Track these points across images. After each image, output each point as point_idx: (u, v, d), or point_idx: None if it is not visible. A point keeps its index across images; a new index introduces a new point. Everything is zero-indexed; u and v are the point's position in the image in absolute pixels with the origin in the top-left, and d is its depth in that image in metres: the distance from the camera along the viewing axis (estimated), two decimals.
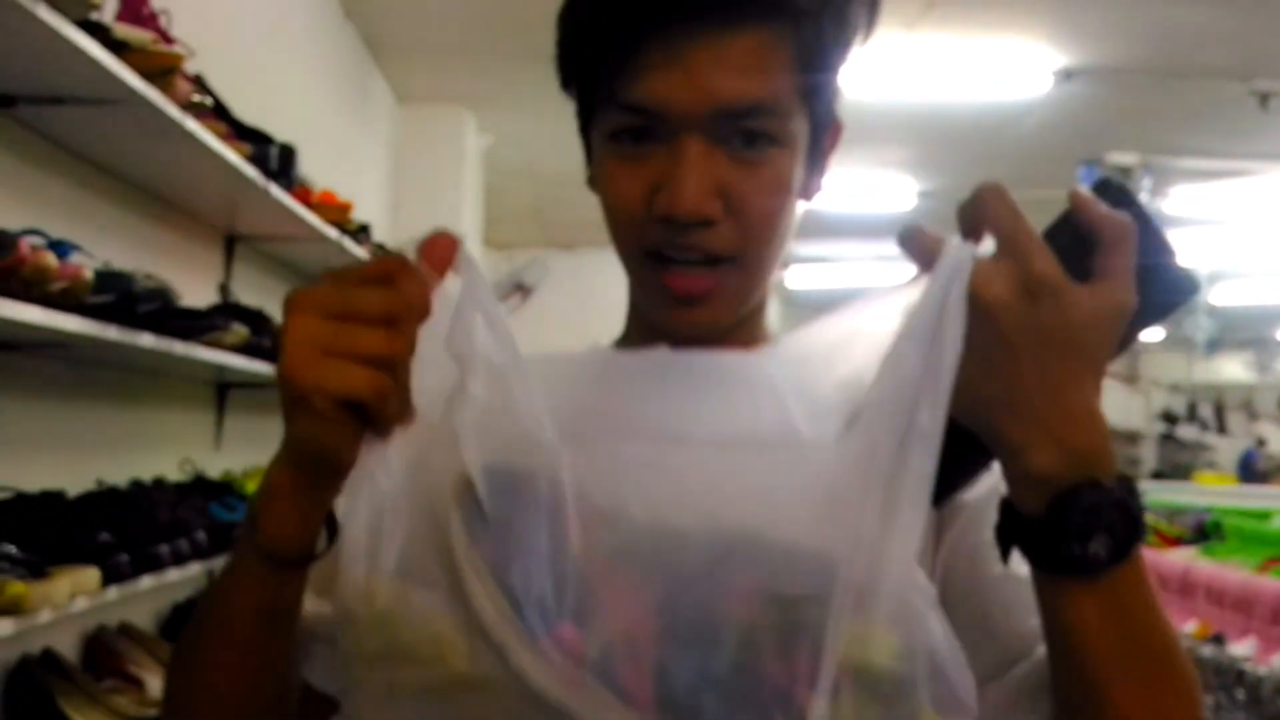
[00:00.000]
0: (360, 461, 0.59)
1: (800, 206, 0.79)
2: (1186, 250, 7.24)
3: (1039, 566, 0.61)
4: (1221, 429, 10.59)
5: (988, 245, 0.59)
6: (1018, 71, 4.43)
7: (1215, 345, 8.56)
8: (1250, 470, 9.58)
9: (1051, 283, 0.57)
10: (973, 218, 0.59)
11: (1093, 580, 0.60)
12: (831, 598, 0.55)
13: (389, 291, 0.58)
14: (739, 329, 0.79)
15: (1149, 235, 0.60)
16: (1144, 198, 5.20)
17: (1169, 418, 10.37)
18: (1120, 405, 11.04)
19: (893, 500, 0.56)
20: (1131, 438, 10.44)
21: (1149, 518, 3.64)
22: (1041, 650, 0.68)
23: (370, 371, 0.57)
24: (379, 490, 0.60)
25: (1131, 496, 0.60)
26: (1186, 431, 10.12)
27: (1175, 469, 9.20)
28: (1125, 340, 0.60)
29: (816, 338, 0.63)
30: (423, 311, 0.58)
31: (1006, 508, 0.62)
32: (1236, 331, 9.36)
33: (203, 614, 0.68)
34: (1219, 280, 7.93)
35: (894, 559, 0.56)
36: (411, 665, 0.59)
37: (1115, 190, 0.61)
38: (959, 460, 0.60)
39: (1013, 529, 0.61)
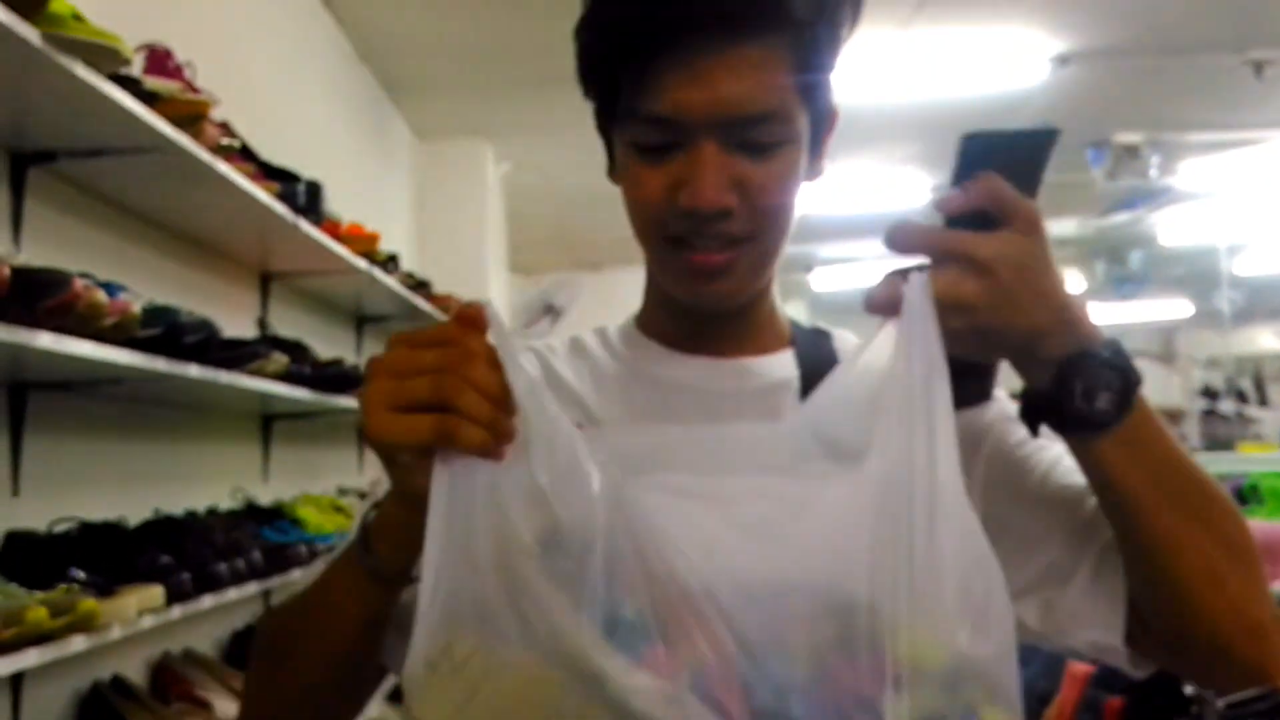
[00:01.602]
0: (432, 508, 0.64)
1: (805, 188, 0.87)
2: (1205, 223, 7.17)
3: (1064, 431, 0.73)
4: (1262, 400, 10.46)
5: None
6: (1015, 61, 4.48)
7: (1239, 318, 8.49)
8: None
9: (989, 254, 0.70)
10: (902, 250, 0.72)
11: (1110, 431, 0.71)
12: (883, 604, 0.61)
13: (441, 344, 0.65)
14: (751, 305, 0.89)
15: (992, 147, 0.72)
16: (1153, 174, 5.24)
17: (1209, 393, 10.25)
18: (1159, 385, 10.94)
19: (930, 499, 0.63)
20: (1173, 416, 10.33)
21: None
22: (1098, 521, 0.78)
23: (432, 417, 0.63)
24: (445, 537, 0.64)
25: (1119, 355, 0.72)
26: (1227, 406, 10.01)
27: (1219, 443, 9.09)
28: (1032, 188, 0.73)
29: (828, 396, 0.72)
30: (474, 355, 0.64)
31: (1026, 394, 0.74)
32: (1265, 301, 9.27)
33: (298, 622, 0.80)
34: (1240, 251, 7.88)
35: (941, 557, 0.62)
36: (505, 713, 0.61)
37: (969, 145, 0.73)
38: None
39: (1036, 409, 0.73)
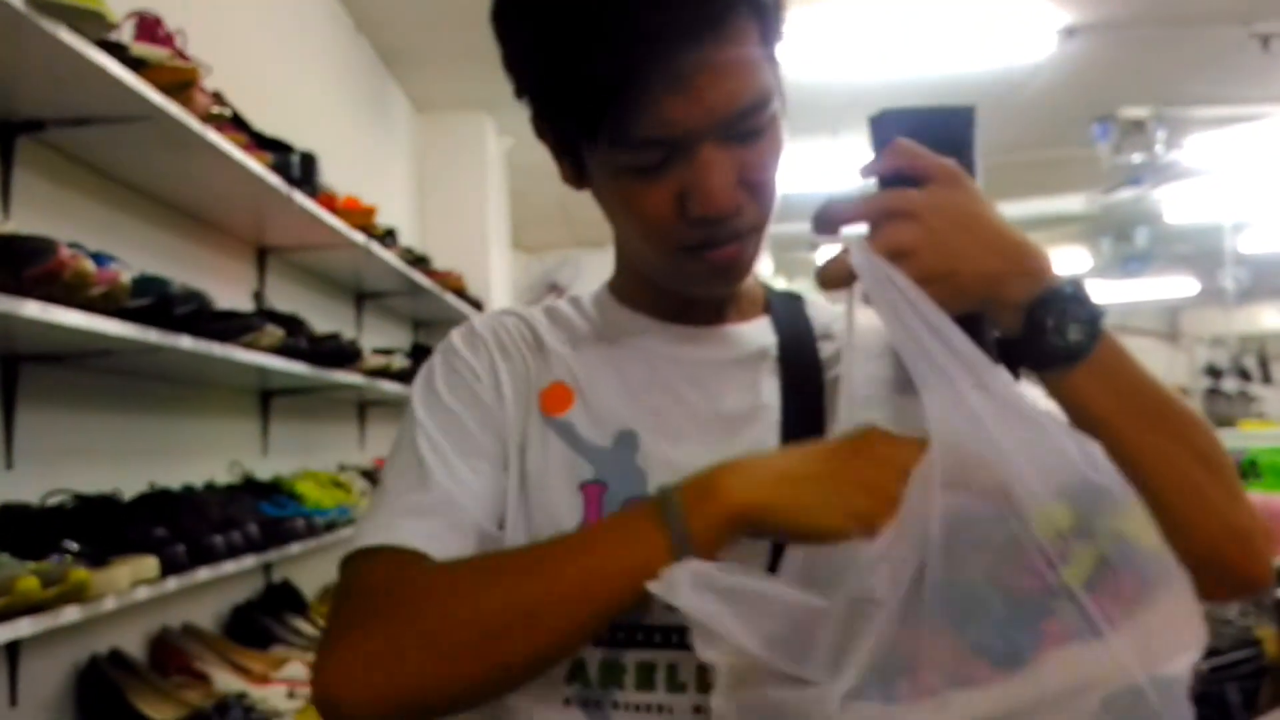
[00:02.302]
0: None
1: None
2: (1211, 202, 7.14)
3: (1040, 367, 0.77)
4: (1266, 379, 10.45)
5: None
6: (1021, 33, 4.44)
7: (1243, 297, 8.46)
8: None
9: (914, 201, 0.74)
10: (830, 225, 0.77)
11: (1082, 361, 0.76)
12: (1017, 506, 0.67)
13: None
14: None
15: (905, 123, 0.78)
16: (1159, 150, 5.20)
17: (1213, 372, 10.24)
18: (1163, 363, 10.93)
19: (983, 392, 0.70)
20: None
21: None
22: None
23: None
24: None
25: (1081, 290, 0.76)
26: (1230, 384, 10.01)
27: (1222, 421, 9.08)
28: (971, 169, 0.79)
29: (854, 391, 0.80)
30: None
31: (1002, 340, 0.77)
32: (1270, 279, 9.24)
33: (563, 568, 0.74)
34: (1245, 229, 7.84)
35: (1019, 437, 0.69)
36: None
37: (879, 121, 0.80)
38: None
39: (1013, 351, 0.77)
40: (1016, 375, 0.77)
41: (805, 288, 1.01)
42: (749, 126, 0.79)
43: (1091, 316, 0.76)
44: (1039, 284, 0.75)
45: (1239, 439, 5.01)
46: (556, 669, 0.81)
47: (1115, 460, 0.75)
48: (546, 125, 0.86)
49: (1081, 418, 0.76)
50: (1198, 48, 4.71)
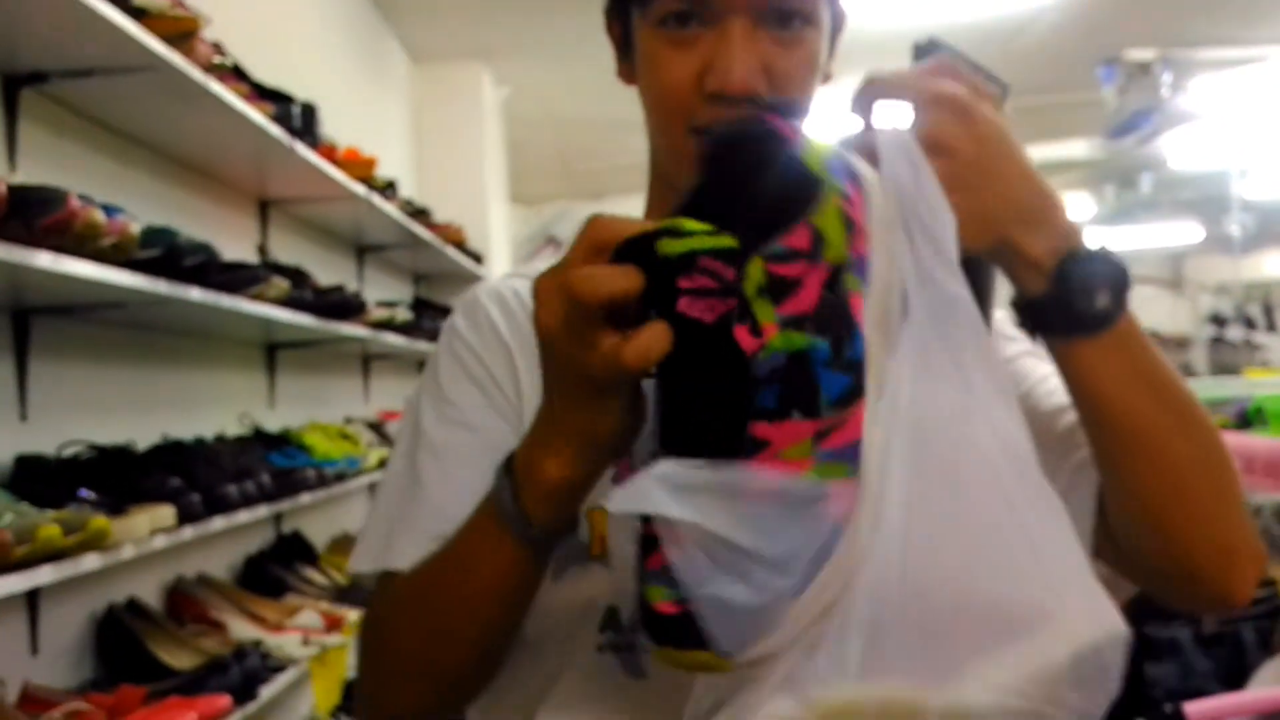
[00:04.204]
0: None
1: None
2: (1216, 147, 7.07)
3: (1060, 334, 0.70)
4: (1271, 326, 10.42)
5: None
6: None
7: (1249, 243, 8.43)
8: None
9: (967, 99, 0.67)
10: (872, 98, 0.68)
11: (1105, 334, 0.70)
12: None
13: None
14: None
15: (970, 67, 0.71)
16: (1164, 93, 5.15)
17: (1217, 320, 10.22)
18: (1166, 311, 10.91)
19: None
20: (1180, 343, 10.32)
21: None
22: (1074, 437, 0.77)
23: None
24: None
25: (1109, 253, 0.70)
26: (1234, 332, 9.99)
27: (1226, 370, 9.08)
28: None
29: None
30: None
31: (1021, 306, 0.72)
32: (1276, 225, 9.19)
33: (445, 582, 0.74)
34: (1250, 175, 7.78)
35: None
36: None
37: (926, 49, 0.73)
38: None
39: (1035, 311, 0.71)
40: (1034, 336, 0.72)
41: None
42: (784, 21, 0.79)
43: (1120, 283, 0.70)
44: (1069, 239, 0.69)
45: (1244, 387, 5.01)
46: (589, 616, 0.82)
47: (1111, 443, 0.72)
48: (611, 4, 0.86)
49: (1087, 392, 0.72)
50: None
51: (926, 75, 0.70)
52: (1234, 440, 2.61)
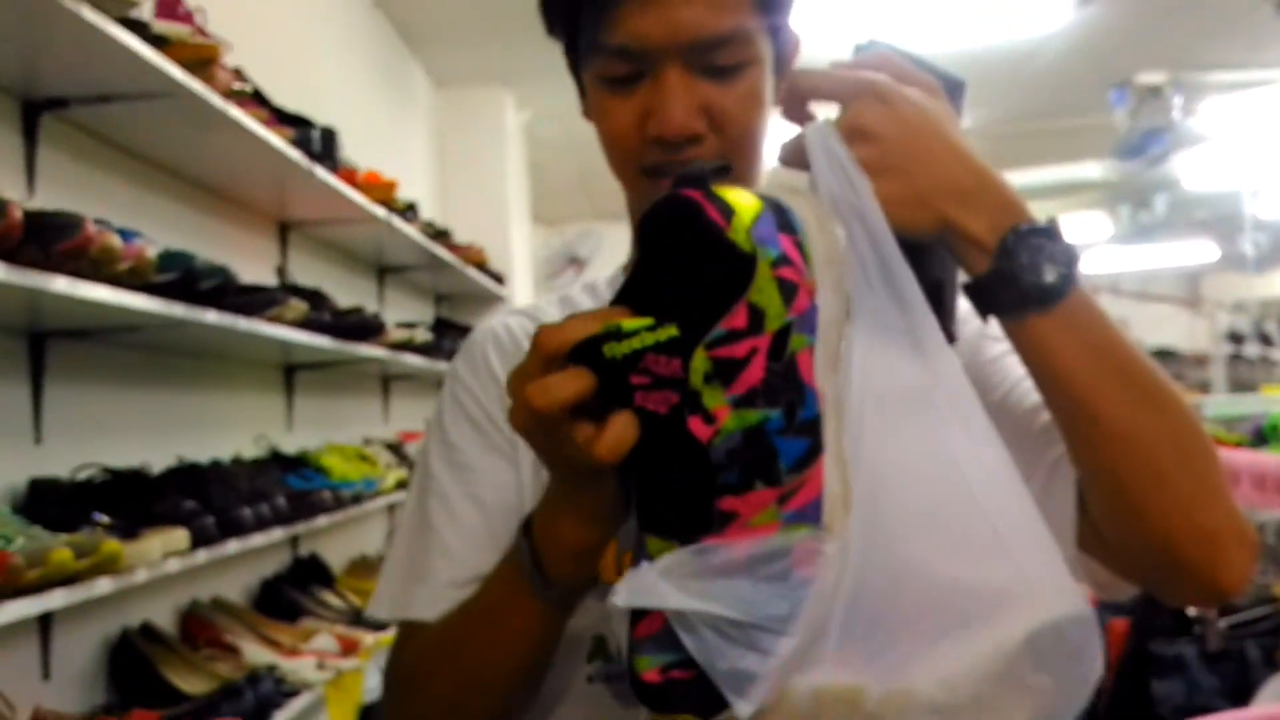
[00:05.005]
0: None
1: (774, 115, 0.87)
2: (1229, 168, 7.04)
3: (1010, 312, 0.69)
4: None
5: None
6: (1037, 2, 4.41)
7: (1264, 262, 8.39)
8: None
9: (890, 85, 0.69)
10: (797, 100, 0.71)
11: (1055, 308, 0.68)
12: None
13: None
14: None
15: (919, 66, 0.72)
16: (1176, 116, 5.14)
17: (1234, 337, 10.17)
18: (1184, 329, 10.86)
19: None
20: (1199, 361, 10.27)
21: (1209, 428, 3.65)
22: (1051, 435, 0.76)
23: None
24: None
25: (1056, 227, 0.69)
26: (1251, 349, 9.94)
27: (1243, 387, 9.02)
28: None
29: None
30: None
31: (970, 287, 0.71)
32: None
33: (474, 638, 0.79)
34: (1262, 194, 7.76)
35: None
36: None
37: (868, 50, 0.74)
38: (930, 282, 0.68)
39: (981, 297, 0.70)
40: (985, 318, 0.71)
41: None
42: (719, 61, 0.80)
43: (1068, 257, 0.68)
44: (1010, 215, 0.68)
45: (1260, 404, 4.98)
46: (577, 648, 0.84)
47: (1076, 425, 0.70)
48: (566, 55, 0.89)
49: (1046, 371, 0.70)
50: (1212, 13, 4.66)
51: (849, 68, 0.71)
52: (1245, 457, 2.59)
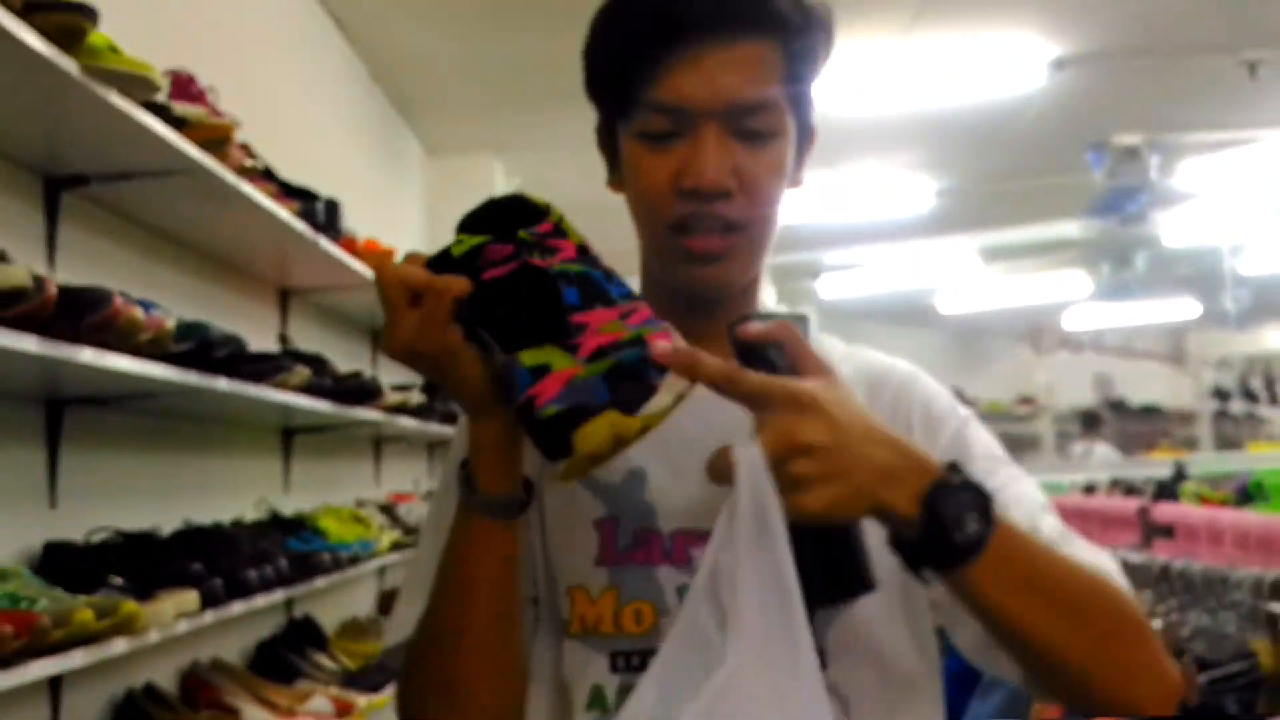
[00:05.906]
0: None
1: (789, 193, 0.95)
2: (1207, 225, 7.18)
3: (941, 568, 0.76)
4: (1274, 399, 10.48)
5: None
6: (1013, 65, 4.55)
7: (1246, 318, 8.51)
8: None
9: (817, 392, 0.75)
10: (747, 341, 0.81)
11: (981, 553, 0.74)
12: None
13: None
14: (741, 300, 0.96)
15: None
16: (1153, 175, 5.29)
17: (1220, 394, 10.27)
18: (1169, 387, 10.95)
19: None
20: (1185, 418, 10.35)
21: (1194, 486, 3.69)
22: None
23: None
24: None
25: (962, 474, 0.76)
26: (1238, 406, 10.04)
27: (1229, 444, 9.09)
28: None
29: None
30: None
31: (900, 548, 0.77)
32: (1272, 300, 9.29)
33: (446, 582, 0.88)
34: (1243, 251, 7.90)
35: None
36: None
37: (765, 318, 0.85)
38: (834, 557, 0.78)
39: (911, 556, 0.77)
40: (919, 576, 0.77)
41: (809, 310, 1.05)
42: (753, 127, 0.88)
43: (983, 502, 0.75)
44: (926, 476, 0.74)
45: (1245, 462, 5.06)
46: (576, 697, 0.90)
47: (1010, 646, 0.80)
48: (601, 126, 0.97)
49: (978, 609, 0.77)
50: (1186, 76, 4.82)
51: (745, 351, 0.80)
52: (1228, 516, 2.66)
